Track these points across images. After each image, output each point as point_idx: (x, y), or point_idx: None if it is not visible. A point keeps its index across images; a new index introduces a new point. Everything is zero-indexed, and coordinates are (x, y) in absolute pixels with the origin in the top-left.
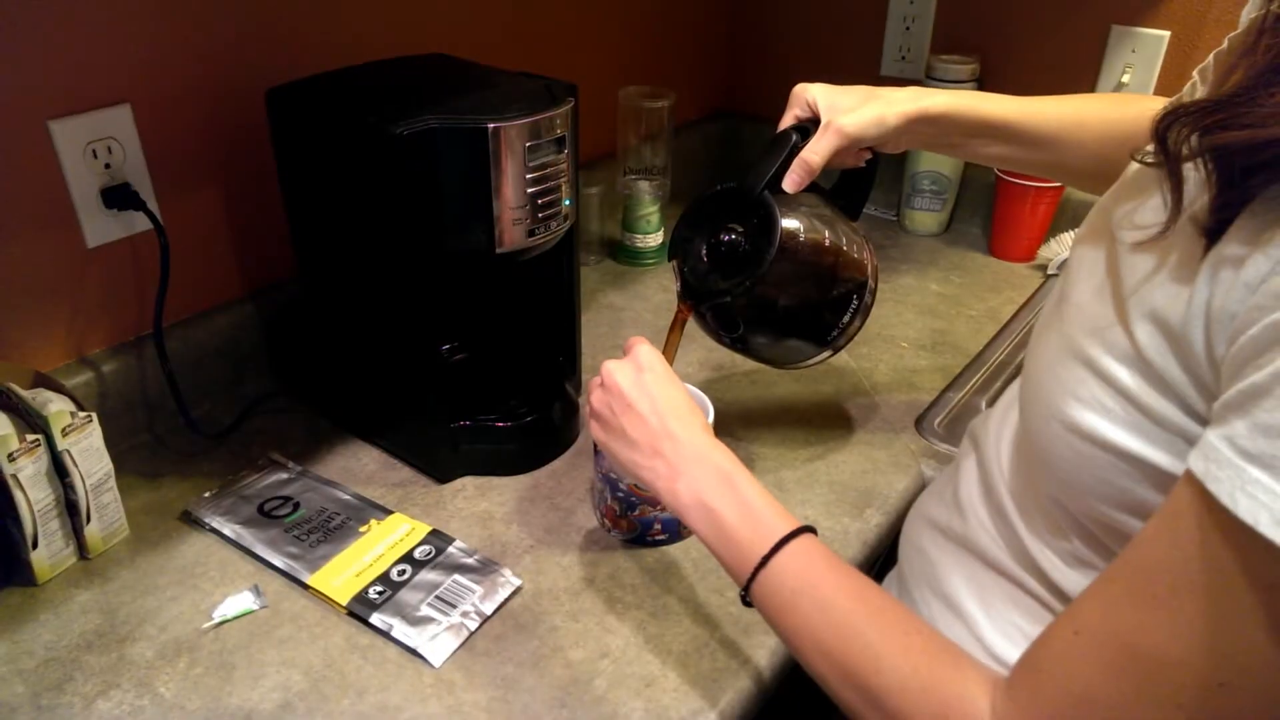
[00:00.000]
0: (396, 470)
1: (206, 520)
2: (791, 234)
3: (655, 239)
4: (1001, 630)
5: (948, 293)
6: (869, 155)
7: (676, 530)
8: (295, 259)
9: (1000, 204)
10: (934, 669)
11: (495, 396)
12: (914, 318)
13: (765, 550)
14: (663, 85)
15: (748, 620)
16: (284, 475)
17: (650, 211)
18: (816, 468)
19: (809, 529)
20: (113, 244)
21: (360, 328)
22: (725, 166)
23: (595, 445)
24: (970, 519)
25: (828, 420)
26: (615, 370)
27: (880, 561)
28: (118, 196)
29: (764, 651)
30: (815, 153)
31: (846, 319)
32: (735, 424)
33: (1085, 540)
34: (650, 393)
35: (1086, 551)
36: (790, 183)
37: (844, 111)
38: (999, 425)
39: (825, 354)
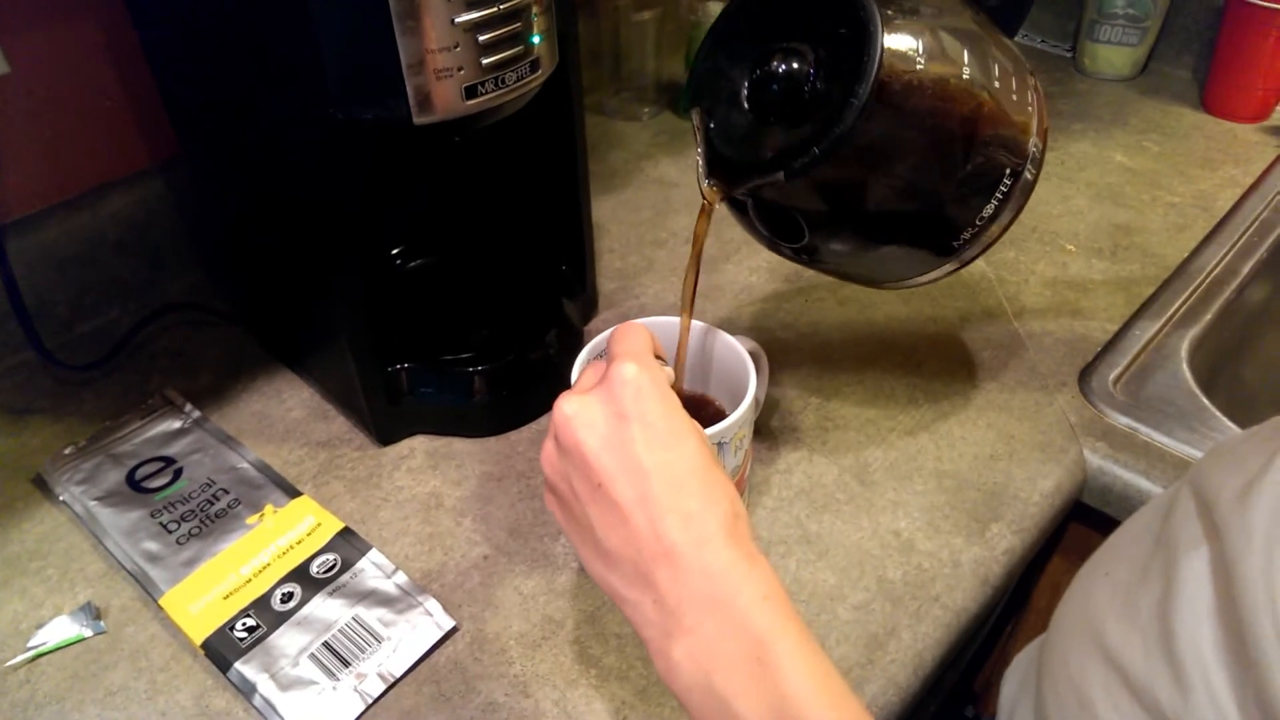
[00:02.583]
0: (329, 421)
1: (57, 490)
2: (902, 58)
3: None
4: None
5: (1139, 167)
6: None
7: None
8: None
9: (1227, 35)
10: None
11: (462, 324)
12: (1086, 205)
13: None
14: None
15: None
16: (175, 424)
17: None
18: (920, 445)
19: None
20: None
21: (257, 221)
22: None
23: None
24: (1195, 688)
25: (944, 366)
26: (577, 415)
27: (1001, 607)
28: None
29: None
30: None
31: (989, 212)
32: (808, 367)
33: None
34: (637, 465)
35: None
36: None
37: None
38: (1272, 492)
39: (948, 267)
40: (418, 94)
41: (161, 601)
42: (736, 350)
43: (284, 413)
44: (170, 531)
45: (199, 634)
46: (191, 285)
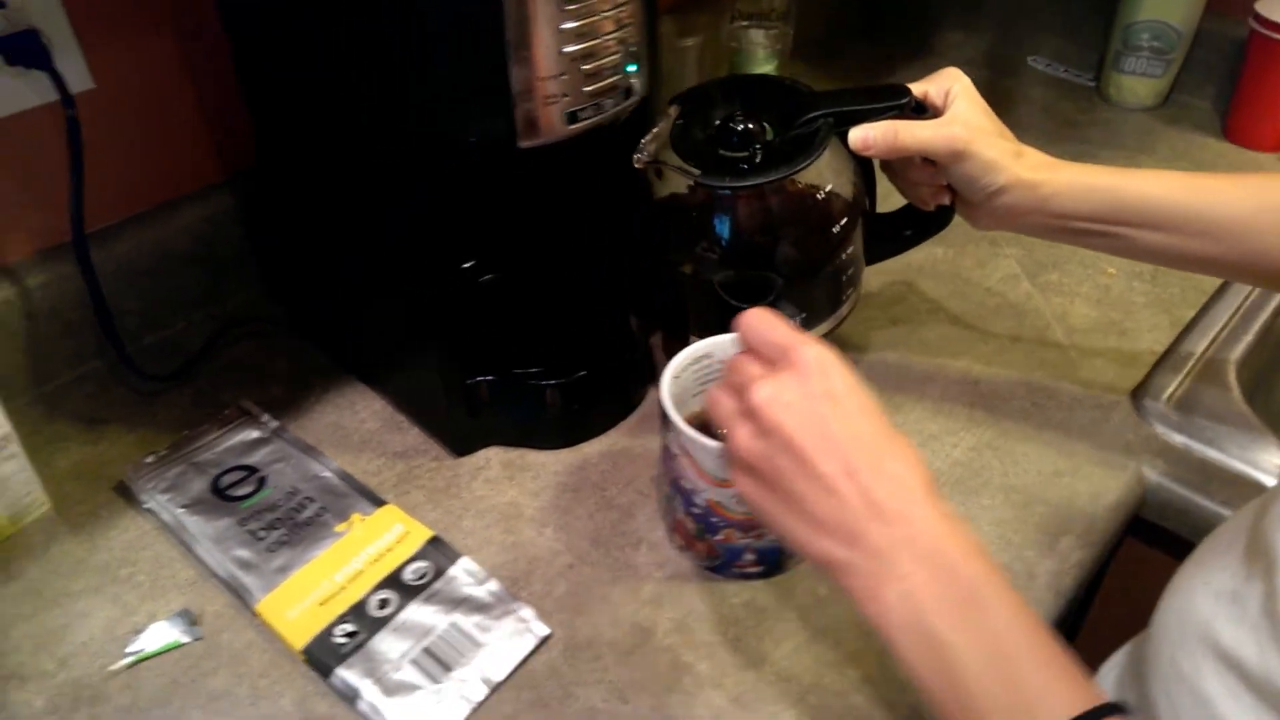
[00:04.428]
0: (403, 432)
1: (142, 498)
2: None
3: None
4: None
5: None
6: (947, 200)
7: (777, 561)
8: (255, 142)
9: (1251, 67)
10: None
11: (535, 339)
12: None
13: None
14: None
15: (907, 703)
16: (254, 434)
17: (766, 70)
18: (985, 461)
19: (1115, 708)
20: (27, 114)
21: (338, 237)
22: (867, 12)
23: (669, 431)
24: None
25: (1000, 384)
26: (776, 396)
27: (1074, 613)
28: (23, 48)
29: None
30: (912, 132)
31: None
32: (868, 384)
33: None
34: (840, 438)
35: None
36: (859, 139)
37: (974, 126)
38: None
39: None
40: (525, 118)
41: (258, 608)
42: None
43: (358, 424)
44: (259, 539)
45: (299, 639)
46: (250, 299)
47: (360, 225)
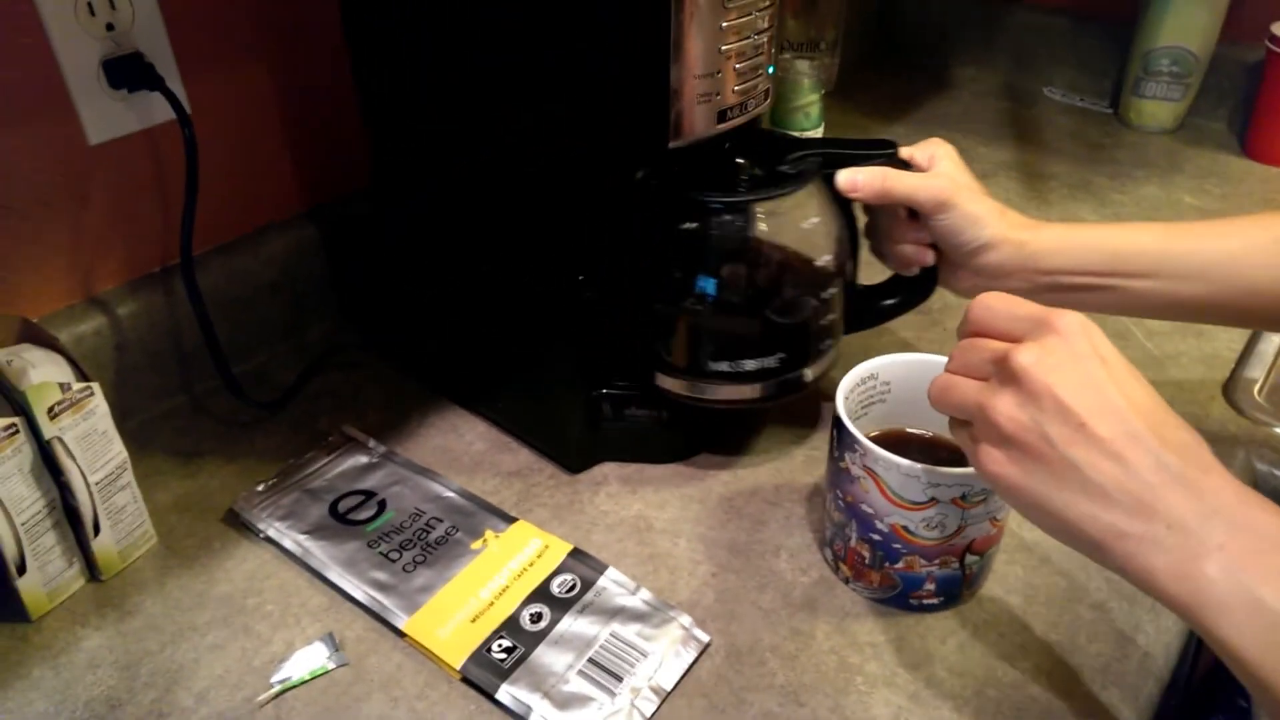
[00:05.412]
0: (512, 452)
1: (259, 526)
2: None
3: (815, 136)
4: None
5: (1208, 206)
6: (931, 261)
7: (957, 591)
8: (371, 162)
9: (1269, 86)
10: None
11: (650, 354)
12: None
13: None
14: None
15: (1078, 709)
16: (363, 459)
17: (809, 101)
18: None
19: None
20: (124, 140)
21: (462, 255)
22: (886, 47)
23: (849, 452)
24: None
25: None
26: (1040, 361)
27: None
28: (126, 71)
29: None
30: (899, 179)
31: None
32: None
33: None
34: (1114, 401)
35: None
36: (846, 179)
37: (959, 182)
38: None
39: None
40: (677, 118)
41: (405, 628)
42: None
43: (465, 446)
44: (393, 560)
45: (455, 658)
46: (328, 330)
47: (498, 236)
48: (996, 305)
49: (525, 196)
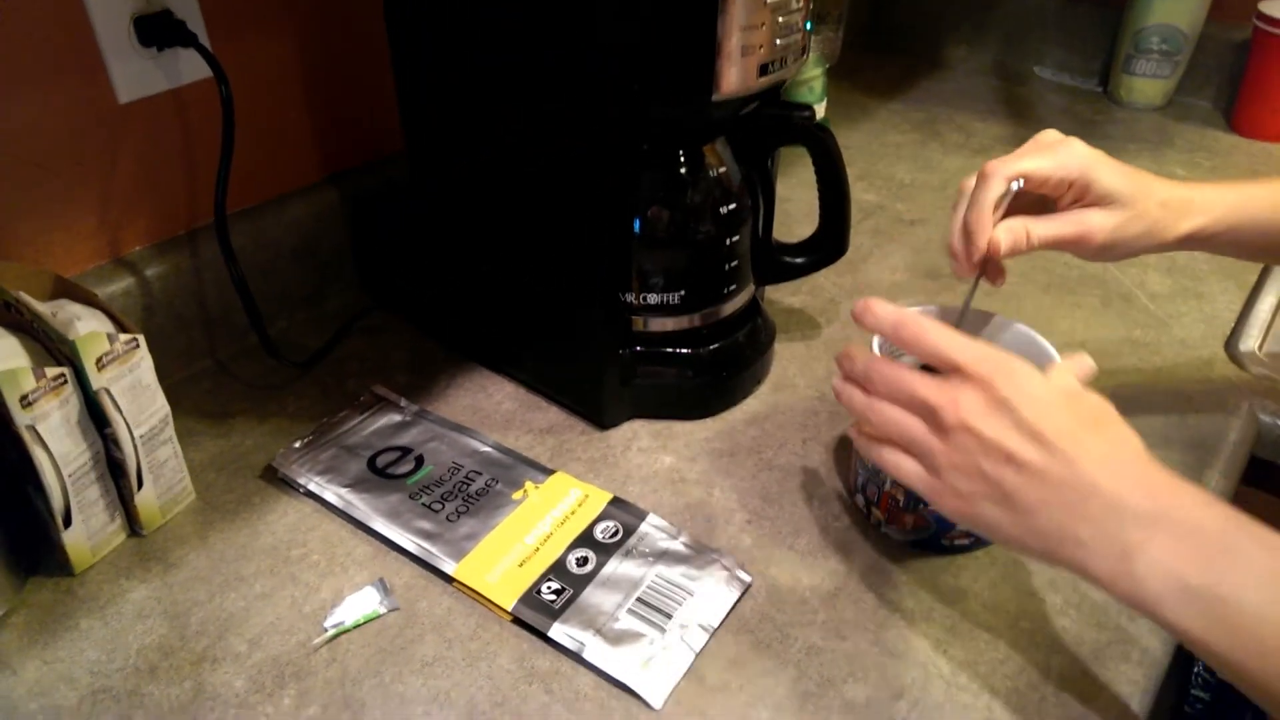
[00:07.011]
0: (543, 411)
1: (300, 480)
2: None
3: (817, 113)
4: None
5: (1200, 179)
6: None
7: None
8: (403, 125)
9: (1256, 64)
10: None
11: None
12: None
13: None
14: None
15: (1107, 639)
16: (397, 417)
17: (812, 76)
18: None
19: None
20: (154, 99)
21: (497, 217)
22: (878, 28)
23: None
24: None
25: (1104, 343)
26: (962, 404)
27: None
28: (157, 29)
29: (1133, 687)
30: (1038, 228)
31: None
32: None
33: None
34: (1035, 428)
35: None
36: (1008, 238)
37: (1102, 221)
38: None
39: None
40: (721, 70)
41: (455, 573)
42: (1033, 341)
43: (494, 405)
44: (436, 511)
45: (506, 600)
46: (348, 296)
47: (536, 194)
48: (881, 315)
49: (559, 163)
